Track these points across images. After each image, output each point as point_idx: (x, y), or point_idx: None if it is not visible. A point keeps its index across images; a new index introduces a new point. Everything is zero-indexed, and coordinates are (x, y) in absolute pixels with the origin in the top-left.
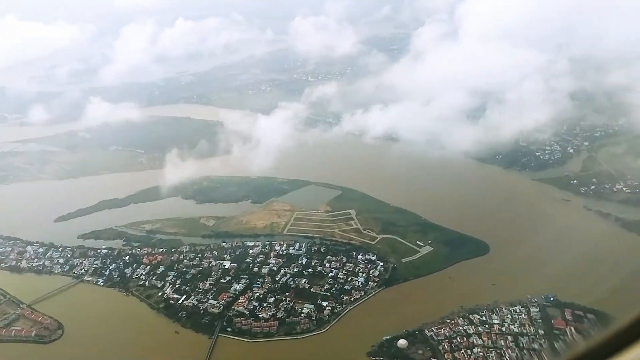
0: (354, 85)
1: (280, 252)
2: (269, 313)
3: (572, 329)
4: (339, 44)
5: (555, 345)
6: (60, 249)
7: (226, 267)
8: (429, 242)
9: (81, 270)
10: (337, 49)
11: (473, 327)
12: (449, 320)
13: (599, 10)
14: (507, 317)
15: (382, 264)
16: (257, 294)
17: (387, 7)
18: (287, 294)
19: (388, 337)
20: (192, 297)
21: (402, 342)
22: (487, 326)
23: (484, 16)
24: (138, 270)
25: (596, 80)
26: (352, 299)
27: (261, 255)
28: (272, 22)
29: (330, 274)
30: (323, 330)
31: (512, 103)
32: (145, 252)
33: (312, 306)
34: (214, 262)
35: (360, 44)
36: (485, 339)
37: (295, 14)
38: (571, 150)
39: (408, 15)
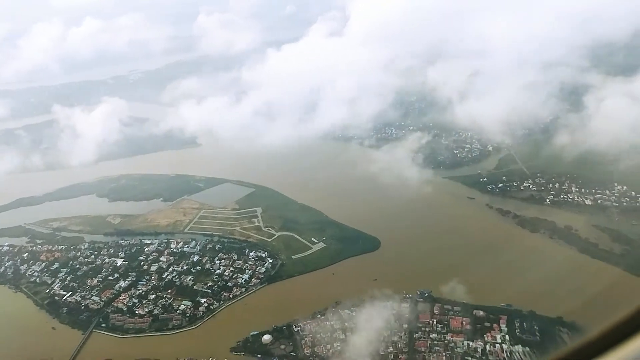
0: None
1: (175, 250)
2: (146, 310)
3: (435, 321)
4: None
5: (415, 336)
6: None
7: (118, 264)
8: (324, 238)
9: None
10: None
11: (340, 322)
12: (320, 316)
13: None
14: (376, 312)
15: (271, 261)
16: (140, 291)
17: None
18: (169, 291)
19: (255, 333)
20: (78, 293)
21: (266, 338)
22: (354, 321)
23: (367, 16)
24: (33, 267)
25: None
26: (231, 296)
27: (155, 253)
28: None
29: (217, 272)
30: (194, 327)
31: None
32: (45, 249)
33: (189, 303)
34: (107, 260)
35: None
36: (348, 333)
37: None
38: (490, 148)
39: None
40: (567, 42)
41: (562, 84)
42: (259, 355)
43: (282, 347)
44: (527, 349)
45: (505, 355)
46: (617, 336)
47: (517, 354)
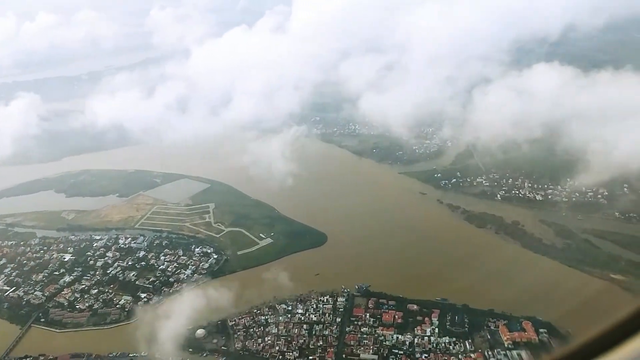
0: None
1: (122, 246)
2: (87, 304)
3: (368, 315)
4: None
5: (346, 330)
6: None
7: (65, 259)
8: (272, 234)
9: None
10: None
11: (275, 317)
12: (256, 311)
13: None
14: (312, 307)
15: (216, 256)
16: (83, 286)
17: None
18: (111, 286)
19: (189, 328)
20: (21, 288)
21: (199, 332)
22: (289, 316)
23: (307, 10)
24: None
25: None
26: (172, 291)
27: (103, 249)
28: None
29: (161, 267)
30: (131, 321)
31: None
32: None
33: (130, 297)
34: (55, 255)
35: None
36: (281, 328)
37: None
38: (449, 144)
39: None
40: (501, 37)
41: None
42: (190, 350)
43: (215, 341)
44: (454, 339)
45: (431, 347)
46: (613, 338)
47: (443, 345)
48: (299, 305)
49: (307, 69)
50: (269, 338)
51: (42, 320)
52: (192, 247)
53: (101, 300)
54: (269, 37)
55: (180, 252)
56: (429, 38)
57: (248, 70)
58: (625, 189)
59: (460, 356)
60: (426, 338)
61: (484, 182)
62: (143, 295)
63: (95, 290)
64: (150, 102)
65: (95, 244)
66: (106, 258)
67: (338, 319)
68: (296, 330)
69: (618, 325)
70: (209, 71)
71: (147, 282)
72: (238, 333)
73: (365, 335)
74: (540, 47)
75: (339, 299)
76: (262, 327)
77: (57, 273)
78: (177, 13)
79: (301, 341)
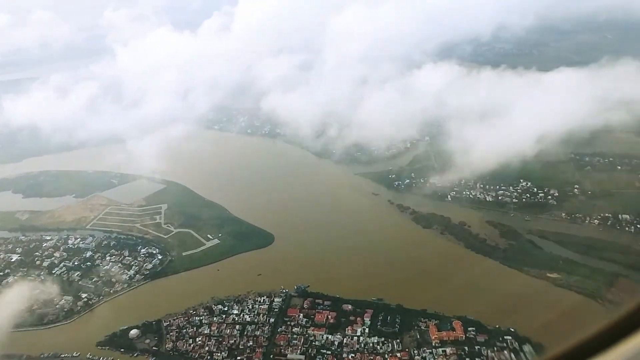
0: None
1: (71, 246)
2: (27, 304)
3: (302, 315)
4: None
5: (278, 330)
6: None
7: (12, 260)
8: (220, 235)
9: None
10: None
11: (209, 317)
12: (192, 311)
13: None
14: (248, 307)
15: (160, 257)
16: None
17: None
18: (54, 286)
19: (124, 328)
20: None
21: (133, 332)
22: (224, 316)
23: (248, 11)
24: None
25: None
26: (112, 291)
27: (51, 249)
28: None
29: (106, 267)
30: (69, 321)
31: None
32: None
33: (70, 298)
34: (3, 255)
35: None
36: (213, 328)
37: None
38: (409, 145)
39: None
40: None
41: None
42: (122, 350)
43: (147, 341)
44: (382, 339)
45: (359, 347)
46: (610, 337)
47: (371, 345)
48: (235, 305)
49: (229, 69)
50: (200, 338)
51: None
52: (139, 248)
53: (41, 300)
54: (206, 39)
55: (126, 253)
56: (355, 39)
57: (176, 70)
58: (576, 190)
59: (386, 355)
60: (355, 338)
61: (436, 183)
62: (84, 295)
63: (37, 291)
64: (99, 102)
65: (45, 244)
66: (53, 258)
67: (272, 320)
68: (228, 330)
69: (613, 325)
70: (136, 72)
71: (90, 282)
72: (171, 333)
73: (295, 336)
74: (465, 48)
75: (275, 300)
76: (195, 328)
77: (1, 273)
78: (131, 14)
79: (231, 341)
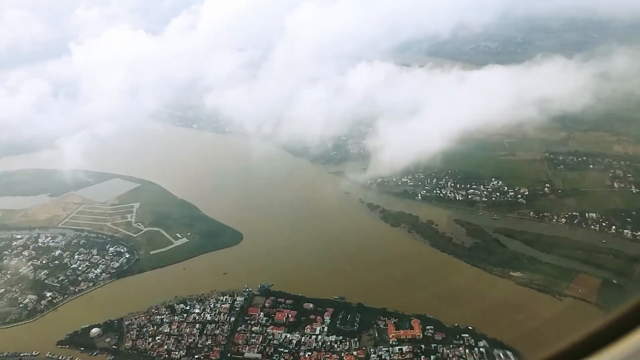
0: None
1: (41, 245)
2: None
3: (263, 314)
4: None
5: (238, 329)
6: None
7: None
8: (188, 234)
9: None
10: None
11: (170, 316)
12: (154, 310)
13: None
14: (210, 306)
15: (128, 256)
16: None
17: None
18: (19, 285)
19: (85, 326)
20: None
21: (94, 331)
22: (185, 315)
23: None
24: None
25: None
26: (77, 290)
27: (20, 248)
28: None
29: (73, 266)
30: (32, 320)
31: None
32: None
33: (35, 297)
34: None
35: None
36: (173, 327)
37: None
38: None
39: None
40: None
41: None
42: (82, 349)
43: (108, 340)
44: (340, 338)
45: (316, 345)
46: (606, 336)
47: (329, 343)
48: (198, 304)
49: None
50: (160, 337)
51: None
52: (107, 247)
53: (6, 299)
54: (171, 37)
55: (95, 252)
56: (307, 37)
57: (132, 69)
58: (547, 189)
59: (343, 354)
60: (314, 337)
61: (408, 181)
62: (49, 294)
63: (2, 290)
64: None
65: (14, 243)
66: (21, 257)
67: (232, 319)
68: (188, 329)
69: (609, 325)
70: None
71: (56, 281)
72: (131, 332)
73: (254, 334)
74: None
75: (238, 299)
76: (155, 327)
77: None
78: (103, 12)
79: (190, 340)
